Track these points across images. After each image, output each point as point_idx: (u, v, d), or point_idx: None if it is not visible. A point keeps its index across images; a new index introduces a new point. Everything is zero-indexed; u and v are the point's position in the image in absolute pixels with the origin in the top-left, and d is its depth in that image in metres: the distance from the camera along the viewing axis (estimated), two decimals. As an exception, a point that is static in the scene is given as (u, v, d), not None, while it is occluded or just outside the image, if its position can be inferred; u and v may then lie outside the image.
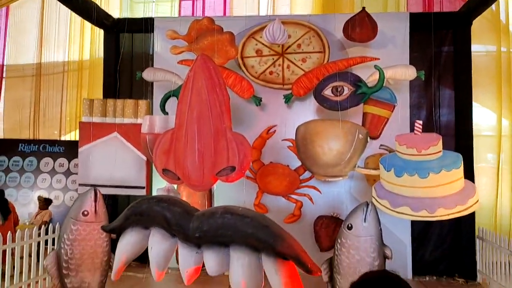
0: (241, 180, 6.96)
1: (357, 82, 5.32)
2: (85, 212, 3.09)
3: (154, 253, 2.59)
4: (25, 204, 8.50)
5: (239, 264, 2.36)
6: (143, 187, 5.19)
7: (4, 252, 5.15)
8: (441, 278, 6.58)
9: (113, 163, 5.07)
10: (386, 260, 3.13)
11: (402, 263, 6.60)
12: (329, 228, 6.69)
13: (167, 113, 5.55)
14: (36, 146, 9.04)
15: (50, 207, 7.76)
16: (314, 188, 6.81)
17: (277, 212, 6.91)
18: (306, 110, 6.89)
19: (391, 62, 5.93)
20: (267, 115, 7.02)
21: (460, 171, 4.10)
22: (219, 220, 2.38)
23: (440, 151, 4.16)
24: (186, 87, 3.22)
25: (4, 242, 5.16)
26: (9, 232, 5.45)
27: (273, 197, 6.93)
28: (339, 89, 5.32)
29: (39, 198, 7.78)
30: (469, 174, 6.65)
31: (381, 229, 3.11)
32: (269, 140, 6.96)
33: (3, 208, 6.47)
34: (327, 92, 5.36)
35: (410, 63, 6.59)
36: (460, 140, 6.81)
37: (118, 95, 7.41)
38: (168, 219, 2.53)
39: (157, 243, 2.59)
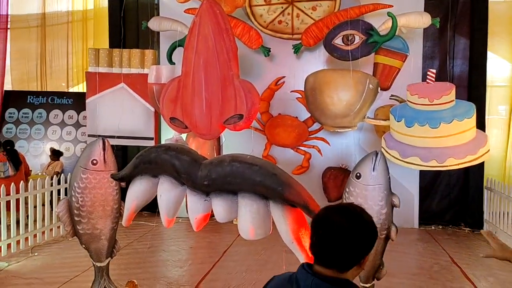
0: (249, 131, 7.01)
1: (368, 30, 5.15)
2: (94, 161, 3.10)
3: (163, 201, 2.62)
4: (36, 155, 8.62)
5: (247, 210, 2.37)
6: (152, 138, 5.20)
7: (17, 201, 5.29)
8: (446, 227, 6.67)
9: (121, 114, 5.05)
10: (394, 208, 3.14)
11: (409, 212, 6.67)
12: (337, 179, 6.74)
13: (174, 63, 5.46)
14: (45, 98, 9.05)
15: (61, 159, 7.85)
16: (323, 139, 6.80)
17: (286, 164, 6.92)
18: (316, 61, 6.75)
19: (405, 10, 5.70)
20: (275, 66, 6.89)
21: (472, 121, 4.02)
22: (227, 168, 2.37)
23: (453, 101, 4.06)
24: (192, 33, 3.12)
25: (17, 192, 5.28)
26: (21, 181, 5.57)
27: (282, 149, 6.94)
28: (350, 38, 5.16)
29: (50, 149, 7.87)
30: (480, 125, 6.61)
31: (389, 178, 3.09)
32: (277, 92, 6.88)
33: (14, 159, 6.57)
34: (338, 41, 5.20)
35: (425, 11, 6.36)
36: (473, 90, 6.67)
37: (124, 45, 7.29)
38: (177, 167, 2.53)
39: (166, 191, 2.60)
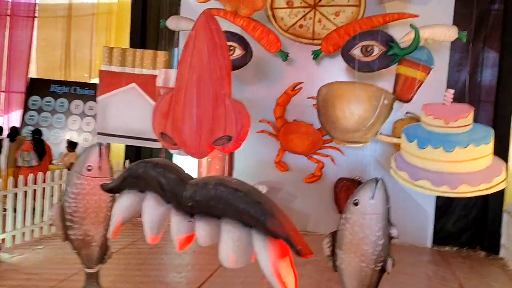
0: (263, 136, 6.92)
1: (389, 42, 4.95)
2: (89, 167, 3.07)
3: (147, 218, 2.55)
4: (56, 144, 8.74)
5: (229, 237, 2.28)
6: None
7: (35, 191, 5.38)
8: (461, 250, 6.39)
9: (131, 114, 5.03)
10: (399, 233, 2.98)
11: (422, 231, 6.46)
12: (350, 191, 6.44)
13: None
14: (68, 88, 9.16)
15: (79, 149, 7.92)
16: (337, 149, 6.62)
17: (298, 171, 6.81)
18: (336, 68, 6.55)
19: (433, 20, 5.45)
20: (294, 71, 6.74)
21: (489, 147, 3.79)
22: (211, 192, 2.28)
23: (470, 124, 3.85)
24: (187, 47, 3.03)
25: (35, 182, 5.36)
26: (39, 172, 5.61)
27: (295, 156, 6.80)
28: (368, 49, 4.98)
29: (67, 141, 7.97)
30: (504, 144, 6.31)
31: (389, 208, 2.94)
32: (294, 97, 6.73)
33: (40, 149, 6.69)
34: (356, 51, 5.04)
35: (454, 21, 6.08)
36: (500, 106, 6.35)
37: (145, 43, 7.29)
38: (163, 185, 2.46)
39: (151, 208, 2.54)
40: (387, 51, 4.95)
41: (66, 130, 8.92)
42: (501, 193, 6.25)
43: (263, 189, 6.71)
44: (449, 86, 6.48)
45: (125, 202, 2.68)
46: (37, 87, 9.31)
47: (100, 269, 3.43)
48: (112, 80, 5.10)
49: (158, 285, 4.32)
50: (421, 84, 6.21)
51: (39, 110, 9.18)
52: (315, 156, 6.75)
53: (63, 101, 9.10)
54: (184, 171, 2.57)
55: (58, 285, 4.07)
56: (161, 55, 5.25)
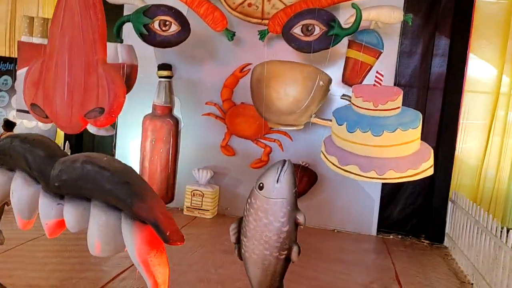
0: (209, 119, 6.67)
1: (330, 21, 4.73)
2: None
3: (15, 199, 2.28)
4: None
5: (95, 222, 2.04)
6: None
7: None
8: (406, 238, 6.32)
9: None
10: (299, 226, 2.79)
11: (367, 218, 6.35)
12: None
13: (121, 41, 5.07)
14: (12, 65, 8.68)
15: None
16: (285, 134, 6.43)
17: (245, 156, 6.59)
18: (286, 50, 6.29)
19: (384, 3, 5.26)
20: (242, 51, 6.48)
21: (417, 132, 3.65)
22: (78, 170, 2.03)
23: (399, 108, 3.68)
24: (59, 4, 2.72)
25: None
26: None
27: (242, 140, 6.58)
28: (309, 28, 4.75)
29: (4, 120, 7.52)
30: (452, 133, 6.22)
31: (296, 192, 2.74)
32: (242, 79, 6.49)
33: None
34: (297, 30, 4.81)
35: (406, 4, 5.89)
36: (449, 93, 6.24)
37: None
38: (29, 163, 2.19)
39: (19, 188, 2.27)
40: (328, 31, 4.73)
41: (8, 108, 8.48)
42: (447, 181, 6.19)
43: (208, 173, 6.48)
44: (399, 71, 6.35)
45: (-8, 181, 2.39)
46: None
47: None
48: (32, 53, 4.72)
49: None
50: (370, 69, 6.03)
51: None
52: (262, 141, 6.54)
53: (7, 78, 8.63)
54: (57, 148, 2.30)
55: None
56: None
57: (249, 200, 2.75)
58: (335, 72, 6.06)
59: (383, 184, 6.25)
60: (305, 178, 6.36)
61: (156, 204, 1.98)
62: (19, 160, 2.24)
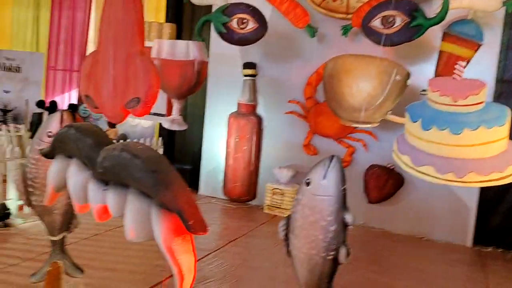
0: (291, 117, 6.59)
1: (413, 11, 4.38)
2: (49, 133, 3.06)
3: (71, 185, 2.45)
4: (97, 119, 9.15)
5: (129, 208, 2.11)
6: (164, 115, 5.10)
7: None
8: (507, 252, 5.60)
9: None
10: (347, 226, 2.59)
11: (461, 228, 5.76)
12: (380, 179, 6.04)
13: (203, 40, 5.25)
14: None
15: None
16: (370, 134, 6.11)
17: (327, 156, 6.38)
18: (372, 46, 6.00)
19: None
20: (326, 48, 6.28)
21: (504, 130, 3.20)
22: (116, 158, 2.12)
23: (482, 103, 3.27)
24: (106, 3, 2.85)
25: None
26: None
27: (324, 139, 6.40)
28: (389, 20, 4.45)
29: (108, 117, 8.26)
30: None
31: (344, 190, 2.55)
32: (326, 76, 6.32)
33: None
34: (376, 23, 4.54)
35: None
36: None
37: (181, 18, 7.25)
38: (80, 150, 2.34)
39: (73, 174, 2.44)
40: (411, 22, 4.38)
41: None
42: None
43: (289, 172, 6.43)
44: (503, 66, 5.69)
45: (54, 168, 2.61)
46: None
47: (64, 237, 3.43)
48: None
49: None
50: (467, 63, 5.48)
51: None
52: (345, 140, 6.30)
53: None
54: (105, 136, 2.43)
55: (49, 251, 4.19)
56: (167, 27, 5.16)
57: (296, 197, 2.65)
58: (427, 67, 5.63)
59: (481, 191, 5.64)
60: (391, 181, 5.99)
61: (182, 193, 1.98)
62: (73, 147, 2.41)
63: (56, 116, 3.10)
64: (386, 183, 5.99)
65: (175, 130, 6.16)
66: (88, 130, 2.41)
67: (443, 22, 4.72)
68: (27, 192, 3.22)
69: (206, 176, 7.19)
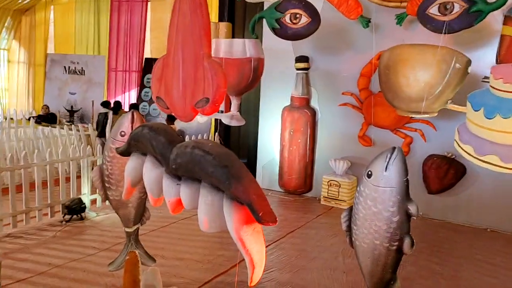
0: (346, 109, 6.58)
1: (472, -4, 4.26)
2: (122, 133, 3.30)
3: (146, 180, 2.66)
4: (155, 116, 9.56)
5: (203, 201, 2.27)
6: (222, 111, 5.27)
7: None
8: None
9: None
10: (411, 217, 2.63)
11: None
12: (440, 170, 5.92)
13: (256, 37, 5.37)
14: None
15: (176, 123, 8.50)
16: (428, 123, 6.00)
17: (383, 147, 6.16)
18: (428, 34, 5.86)
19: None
20: (380, 38, 6.21)
21: None
22: (188, 154, 2.28)
23: (549, 89, 3.16)
24: (174, 9, 2.99)
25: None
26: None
27: (380, 130, 6.35)
28: (448, 6, 4.35)
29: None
30: None
31: (407, 181, 2.58)
32: (380, 67, 6.26)
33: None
34: (433, 10, 4.44)
35: None
36: None
37: (233, 16, 7.42)
38: (154, 148, 2.54)
39: (148, 170, 2.64)
40: (470, 8, 4.27)
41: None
42: None
43: (345, 164, 6.45)
44: None
45: (131, 164, 2.83)
46: (151, 66, 10.12)
47: (137, 229, 3.68)
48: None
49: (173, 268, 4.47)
50: (532, 47, 5.25)
51: (152, 87, 10.03)
52: (402, 131, 6.22)
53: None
54: (176, 135, 2.60)
55: (122, 242, 4.50)
56: (223, 26, 5.31)
57: (358, 188, 2.71)
58: (487, 53, 5.45)
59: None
60: (452, 171, 5.86)
61: (252, 186, 2.10)
62: (147, 145, 2.61)
63: (128, 116, 3.34)
64: (446, 173, 5.86)
65: (230, 126, 6.36)
66: (161, 129, 2.59)
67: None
68: (104, 187, 3.50)
69: (262, 169, 7.34)
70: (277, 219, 2.10)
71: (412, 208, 2.57)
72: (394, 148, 2.60)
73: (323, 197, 6.58)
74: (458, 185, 5.89)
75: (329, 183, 6.49)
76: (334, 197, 6.47)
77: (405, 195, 2.58)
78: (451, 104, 4.04)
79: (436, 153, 5.98)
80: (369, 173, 2.63)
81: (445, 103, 4.06)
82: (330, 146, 6.71)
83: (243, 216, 2.14)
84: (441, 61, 3.93)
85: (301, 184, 6.93)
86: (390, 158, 2.56)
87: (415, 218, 2.60)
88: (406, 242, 2.61)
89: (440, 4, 4.41)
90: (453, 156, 5.85)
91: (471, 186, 5.82)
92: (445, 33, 4.34)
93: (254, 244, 2.15)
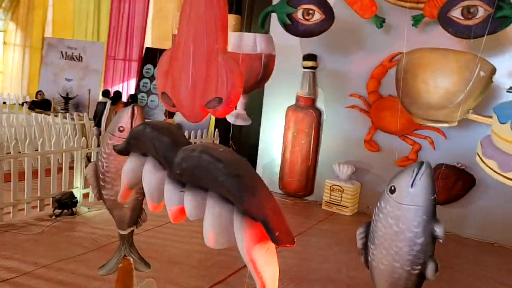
0: (353, 111, 6.34)
1: (499, 1, 4.01)
2: (121, 128, 3.03)
3: (146, 183, 2.39)
4: (152, 108, 9.29)
5: (210, 213, 2.01)
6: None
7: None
8: None
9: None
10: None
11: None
12: (449, 180, 5.70)
13: (266, 31, 5.11)
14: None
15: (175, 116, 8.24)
16: (438, 130, 5.78)
17: (390, 153, 6.11)
18: (443, 36, 5.61)
19: None
20: (393, 39, 5.98)
21: None
22: (195, 160, 2.02)
23: None
24: None
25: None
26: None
27: (387, 135, 6.12)
28: (471, 10, 4.11)
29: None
30: None
31: (434, 199, 2.34)
32: (391, 70, 6.00)
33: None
34: (456, 13, 4.20)
35: None
36: None
37: (240, 9, 7.15)
38: (157, 149, 2.27)
39: (149, 173, 2.37)
40: (496, 13, 4.02)
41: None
42: None
43: (349, 168, 6.22)
44: None
45: (129, 165, 2.56)
46: (151, 56, 9.87)
47: (132, 231, 3.42)
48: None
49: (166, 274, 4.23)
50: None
51: (152, 78, 9.74)
52: (410, 137, 6.00)
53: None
54: (182, 136, 2.34)
55: (114, 241, 4.23)
56: (232, 18, 5.04)
57: (378, 204, 2.46)
58: (505, 61, 5.23)
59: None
60: (460, 182, 5.64)
61: (267, 200, 1.85)
62: (149, 146, 2.34)
63: (128, 111, 3.06)
64: (455, 184, 5.65)
65: (230, 122, 6.10)
66: (165, 129, 2.33)
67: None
68: (99, 185, 3.23)
69: (262, 169, 7.09)
70: (295, 240, 1.86)
71: (439, 230, 2.33)
72: (422, 163, 2.35)
73: (325, 201, 6.34)
74: (466, 197, 5.69)
75: (331, 188, 6.25)
76: (336, 203, 6.23)
77: (432, 215, 2.33)
78: (473, 114, 3.80)
79: (445, 162, 5.75)
80: (392, 188, 2.38)
81: (466, 113, 3.82)
82: (335, 149, 6.47)
83: (256, 234, 1.88)
84: (463, 67, 3.70)
85: (302, 187, 6.69)
86: (417, 174, 2.31)
87: (441, 241, 2.36)
88: (430, 266, 2.37)
89: (463, 7, 4.16)
90: (463, 167, 5.63)
91: (480, 199, 5.62)
92: (468, 38, 4.11)
93: (266, 266, 1.90)
